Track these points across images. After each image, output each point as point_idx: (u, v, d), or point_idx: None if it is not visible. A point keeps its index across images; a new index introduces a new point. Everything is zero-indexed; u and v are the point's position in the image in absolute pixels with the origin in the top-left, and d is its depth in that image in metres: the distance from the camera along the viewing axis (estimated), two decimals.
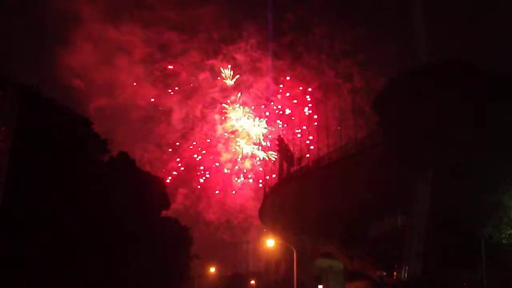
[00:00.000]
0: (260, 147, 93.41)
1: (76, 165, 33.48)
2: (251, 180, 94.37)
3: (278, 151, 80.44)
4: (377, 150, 44.28)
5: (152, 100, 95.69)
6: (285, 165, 75.88)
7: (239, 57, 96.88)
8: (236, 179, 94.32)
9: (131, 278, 40.64)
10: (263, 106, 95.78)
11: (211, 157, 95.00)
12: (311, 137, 78.84)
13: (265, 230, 79.47)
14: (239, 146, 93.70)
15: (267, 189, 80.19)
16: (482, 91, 34.04)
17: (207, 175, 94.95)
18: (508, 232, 31.25)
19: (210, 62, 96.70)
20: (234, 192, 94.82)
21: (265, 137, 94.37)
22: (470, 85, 34.50)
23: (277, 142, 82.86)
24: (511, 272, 31.29)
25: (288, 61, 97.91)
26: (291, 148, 78.57)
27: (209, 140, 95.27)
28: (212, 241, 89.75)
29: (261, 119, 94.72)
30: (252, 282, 77.76)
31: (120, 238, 38.05)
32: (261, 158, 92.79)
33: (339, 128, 65.23)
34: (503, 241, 31.38)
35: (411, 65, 54.17)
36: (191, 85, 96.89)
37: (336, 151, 58.81)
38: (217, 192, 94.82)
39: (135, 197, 42.80)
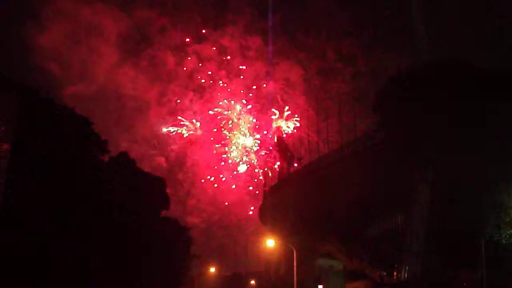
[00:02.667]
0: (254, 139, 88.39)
1: (76, 165, 33.49)
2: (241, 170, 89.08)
3: (278, 151, 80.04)
4: (377, 149, 44.25)
5: (131, 87, 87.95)
6: (285, 165, 75.65)
7: (226, 42, 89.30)
8: (225, 176, 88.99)
9: (130, 278, 40.63)
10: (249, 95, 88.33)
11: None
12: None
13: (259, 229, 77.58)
14: (229, 137, 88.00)
15: (267, 189, 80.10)
16: (481, 91, 34.06)
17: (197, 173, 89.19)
18: (508, 232, 31.28)
19: (194, 46, 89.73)
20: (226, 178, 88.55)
21: (255, 128, 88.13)
22: (470, 85, 34.52)
23: (276, 142, 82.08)
24: (511, 272, 31.30)
25: (282, 43, 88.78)
26: (288, 141, 75.87)
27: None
28: (212, 241, 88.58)
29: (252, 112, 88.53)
30: (252, 282, 77.68)
31: (119, 238, 38.06)
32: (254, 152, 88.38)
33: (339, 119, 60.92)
34: (503, 241, 31.40)
35: (411, 65, 54.17)
36: (174, 71, 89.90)
37: (336, 151, 58.71)
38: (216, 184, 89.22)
39: (135, 197, 42.84)
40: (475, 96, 33.98)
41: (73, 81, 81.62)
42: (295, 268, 41.03)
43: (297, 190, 61.70)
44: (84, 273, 33.39)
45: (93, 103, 77.87)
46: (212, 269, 77.88)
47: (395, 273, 42.89)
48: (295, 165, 72.03)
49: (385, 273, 43.21)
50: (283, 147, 77.45)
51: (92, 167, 36.82)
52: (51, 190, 30.72)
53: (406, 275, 40.80)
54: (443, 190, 35.58)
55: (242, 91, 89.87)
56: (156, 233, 46.82)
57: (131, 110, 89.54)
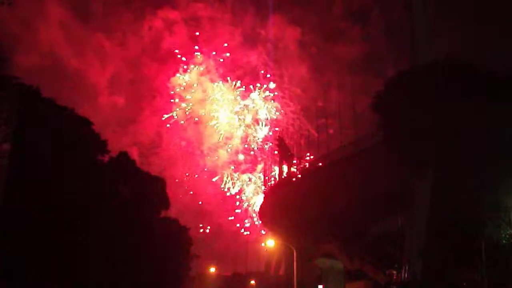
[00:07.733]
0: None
1: (76, 165, 33.49)
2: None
3: (278, 151, 79.79)
4: (377, 150, 44.27)
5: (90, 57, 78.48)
6: (284, 164, 75.43)
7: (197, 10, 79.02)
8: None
9: (131, 278, 40.64)
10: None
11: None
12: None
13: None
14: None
15: (267, 189, 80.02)
16: (482, 91, 34.06)
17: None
18: (508, 232, 31.23)
19: (160, 12, 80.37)
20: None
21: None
22: (470, 85, 34.52)
23: (277, 142, 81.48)
24: (511, 272, 31.27)
25: None
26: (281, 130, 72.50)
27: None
28: (212, 241, 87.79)
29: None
30: (252, 282, 77.63)
31: (120, 238, 38.06)
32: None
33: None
34: (503, 241, 31.36)
35: (411, 65, 54.03)
36: (138, 39, 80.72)
37: (336, 151, 58.75)
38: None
39: (135, 197, 42.84)
40: (475, 96, 33.99)
41: (18, 47, 71.18)
42: (295, 268, 41.05)
43: (297, 190, 61.74)
44: (84, 273, 33.40)
45: (48, 75, 68.31)
46: (212, 269, 77.86)
47: (395, 272, 42.95)
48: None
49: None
50: (283, 146, 77.35)
51: (92, 167, 36.83)
52: (51, 190, 30.73)
53: (406, 275, 40.82)
54: (443, 190, 35.58)
55: (218, 62, 78.06)
56: (156, 233, 46.80)
57: (91, 85, 78.67)
